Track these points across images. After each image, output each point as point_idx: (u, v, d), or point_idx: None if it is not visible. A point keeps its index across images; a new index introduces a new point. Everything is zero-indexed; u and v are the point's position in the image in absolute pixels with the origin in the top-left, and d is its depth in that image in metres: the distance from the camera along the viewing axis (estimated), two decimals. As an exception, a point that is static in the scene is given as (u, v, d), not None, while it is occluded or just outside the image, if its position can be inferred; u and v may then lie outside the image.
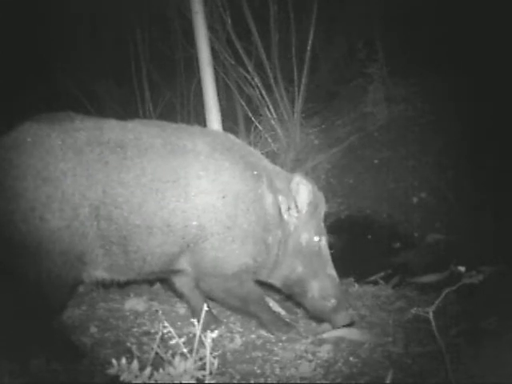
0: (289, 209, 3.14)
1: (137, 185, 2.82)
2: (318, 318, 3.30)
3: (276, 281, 3.29)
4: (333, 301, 3.16)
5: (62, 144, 2.77)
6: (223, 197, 2.96)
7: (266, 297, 3.46)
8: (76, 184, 2.74)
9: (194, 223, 2.92)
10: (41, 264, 2.71)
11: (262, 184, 3.09)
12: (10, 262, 2.74)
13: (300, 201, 3.13)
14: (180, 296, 3.46)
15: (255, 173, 3.08)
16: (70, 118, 2.91)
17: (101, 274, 2.95)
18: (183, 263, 3.05)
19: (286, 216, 3.15)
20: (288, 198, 3.14)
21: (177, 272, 3.18)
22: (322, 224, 3.28)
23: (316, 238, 3.22)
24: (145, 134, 2.93)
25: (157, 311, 3.44)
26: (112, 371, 1.90)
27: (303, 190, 3.12)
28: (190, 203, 2.90)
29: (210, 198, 2.94)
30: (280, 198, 3.14)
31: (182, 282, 3.32)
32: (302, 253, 3.20)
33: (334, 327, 3.22)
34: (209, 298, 3.27)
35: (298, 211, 3.14)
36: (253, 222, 3.03)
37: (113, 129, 2.91)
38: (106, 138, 2.86)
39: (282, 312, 3.61)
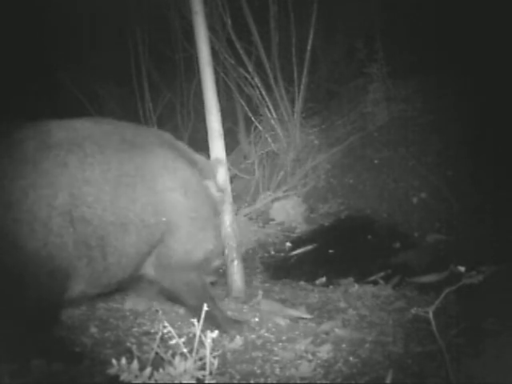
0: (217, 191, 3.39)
1: (105, 181, 2.79)
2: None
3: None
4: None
5: (12, 160, 2.65)
6: (185, 191, 3.06)
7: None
8: (40, 197, 2.63)
9: (164, 219, 2.97)
10: (28, 289, 2.63)
11: (201, 173, 3.26)
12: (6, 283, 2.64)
13: (220, 182, 3.42)
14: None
15: (197, 164, 3.26)
16: (8, 131, 2.78)
17: (82, 287, 2.88)
18: (147, 266, 3.08)
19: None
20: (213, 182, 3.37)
21: (139, 279, 3.20)
22: None
23: None
24: (98, 132, 2.91)
25: (157, 311, 3.44)
26: (112, 371, 1.90)
27: (222, 171, 3.43)
28: (158, 198, 2.96)
29: (173, 193, 3.01)
30: (208, 182, 3.33)
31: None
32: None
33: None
34: (169, 297, 3.34)
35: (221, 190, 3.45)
36: (207, 209, 3.22)
37: (61, 129, 2.84)
38: (56, 139, 2.77)
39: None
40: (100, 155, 2.82)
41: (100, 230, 2.76)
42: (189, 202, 3.07)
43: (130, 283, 3.26)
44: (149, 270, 3.09)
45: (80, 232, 2.71)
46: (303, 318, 3.63)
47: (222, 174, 3.39)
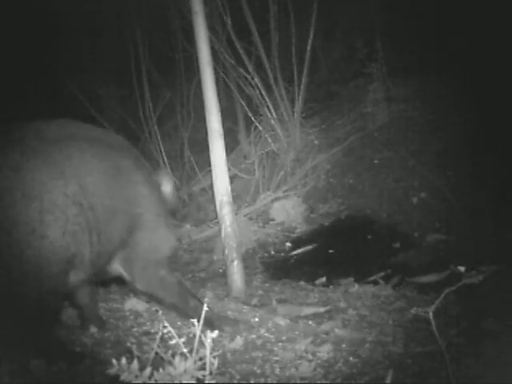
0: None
1: (100, 172, 2.95)
2: None
3: None
4: None
5: (23, 154, 2.73)
6: (150, 187, 3.21)
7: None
8: (55, 187, 2.74)
9: (138, 210, 3.11)
10: (42, 279, 2.68)
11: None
12: (7, 282, 2.65)
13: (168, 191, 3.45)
14: None
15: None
16: (10, 129, 2.89)
17: (81, 276, 2.94)
18: (115, 262, 3.13)
19: None
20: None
21: (107, 276, 3.25)
22: None
23: None
24: (80, 130, 3.10)
25: (157, 311, 3.43)
26: (112, 371, 1.90)
27: (168, 182, 3.50)
28: (134, 190, 3.12)
29: (143, 187, 3.17)
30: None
31: None
32: None
33: None
34: (148, 295, 3.36)
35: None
36: (165, 208, 3.34)
37: (53, 126, 2.99)
38: (55, 135, 2.91)
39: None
40: (92, 150, 2.99)
41: (101, 218, 2.89)
42: (154, 198, 3.24)
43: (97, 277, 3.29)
44: (117, 265, 3.16)
45: (88, 220, 2.83)
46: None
47: (169, 184, 3.48)
